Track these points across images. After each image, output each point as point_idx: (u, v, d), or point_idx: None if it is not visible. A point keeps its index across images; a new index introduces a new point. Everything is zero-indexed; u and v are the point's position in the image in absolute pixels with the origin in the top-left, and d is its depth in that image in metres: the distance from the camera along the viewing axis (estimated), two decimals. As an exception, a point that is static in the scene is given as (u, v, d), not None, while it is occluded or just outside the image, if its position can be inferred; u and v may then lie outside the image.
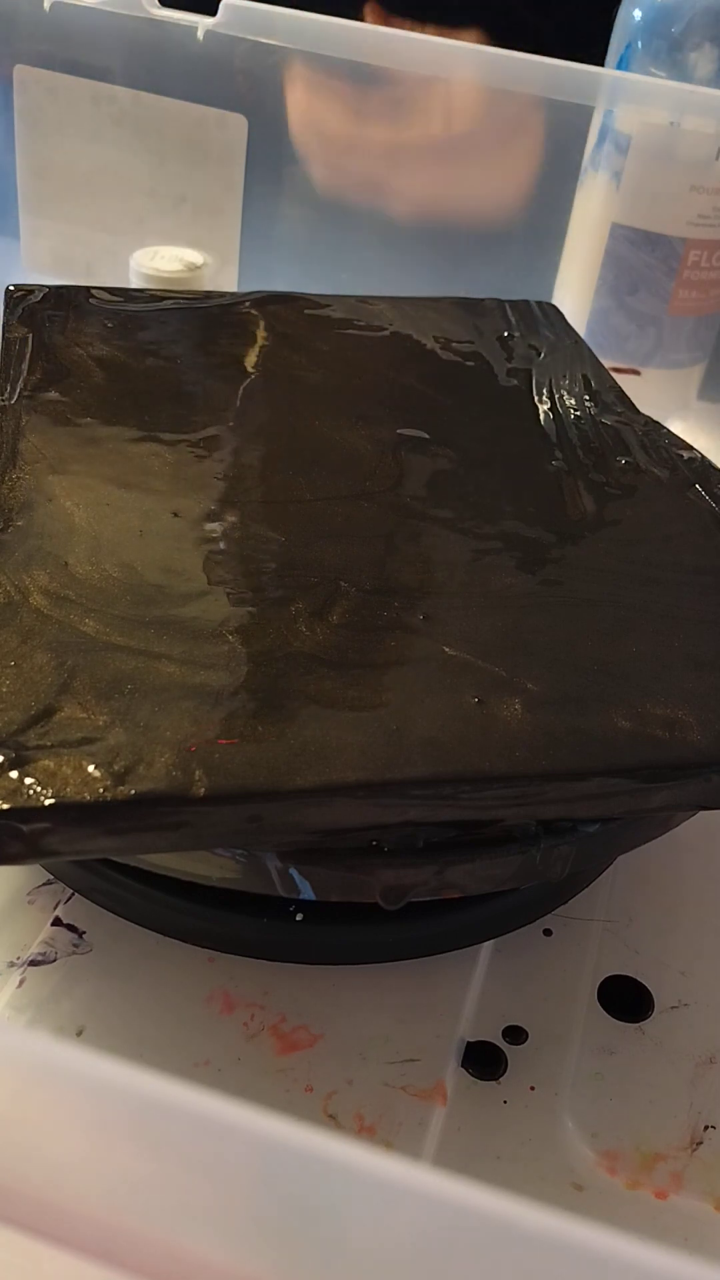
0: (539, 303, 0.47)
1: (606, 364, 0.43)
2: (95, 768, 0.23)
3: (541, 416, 0.39)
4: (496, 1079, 0.28)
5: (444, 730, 0.25)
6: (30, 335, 0.39)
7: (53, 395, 0.36)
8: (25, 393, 0.36)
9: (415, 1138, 0.27)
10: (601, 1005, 0.31)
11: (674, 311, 0.55)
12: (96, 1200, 0.16)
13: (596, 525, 0.33)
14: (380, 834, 0.25)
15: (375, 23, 0.56)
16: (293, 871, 0.25)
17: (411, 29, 0.55)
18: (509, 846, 0.26)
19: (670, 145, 0.52)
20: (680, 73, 0.52)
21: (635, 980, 0.31)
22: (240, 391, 0.38)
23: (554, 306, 0.47)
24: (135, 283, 0.54)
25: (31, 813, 0.22)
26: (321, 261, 0.62)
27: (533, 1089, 0.28)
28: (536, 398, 0.40)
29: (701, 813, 0.30)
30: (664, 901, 0.34)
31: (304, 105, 0.57)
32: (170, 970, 0.30)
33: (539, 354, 0.43)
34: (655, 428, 0.39)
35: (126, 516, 0.31)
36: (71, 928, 0.31)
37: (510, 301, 0.47)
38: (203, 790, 0.23)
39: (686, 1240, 0.26)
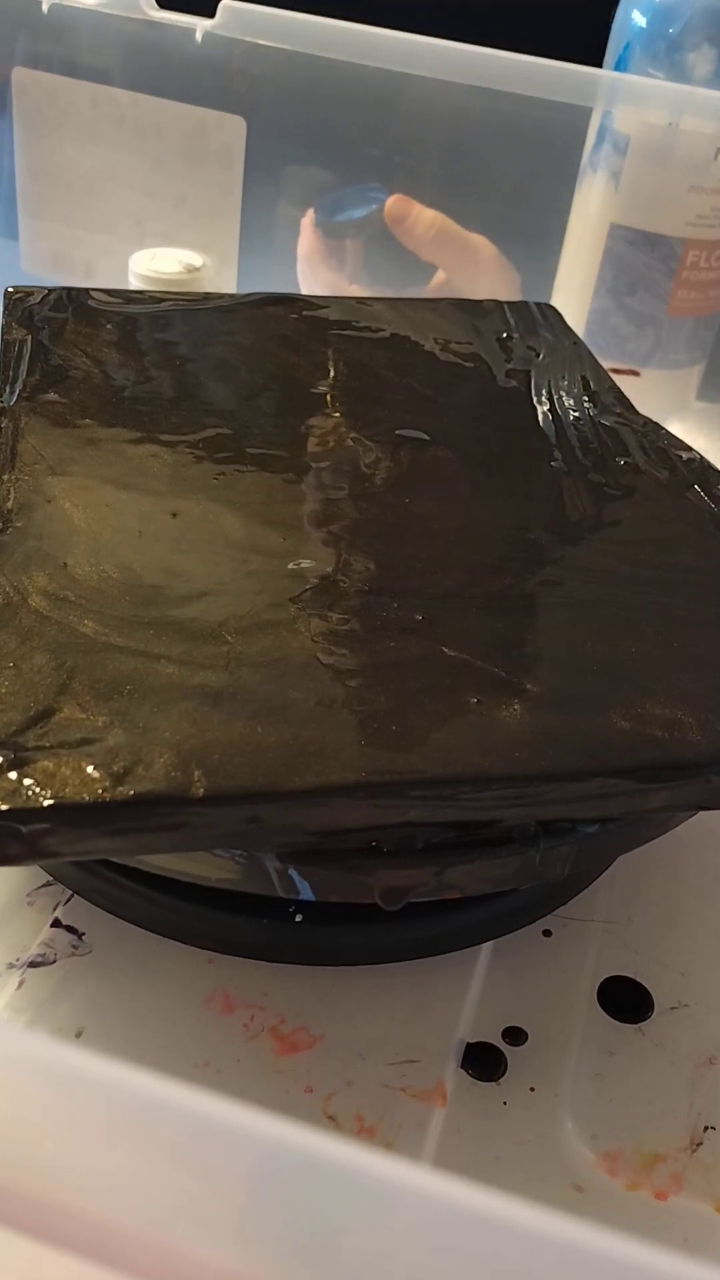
0: (538, 304, 0.47)
1: (605, 365, 0.43)
2: (94, 768, 0.23)
3: (540, 417, 0.39)
4: (496, 1080, 0.28)
5: (443, 731, 0.25)
6: (29, 337, 0.39)
7: (52, 397, 0.36)
8: (24, 394, 0.36)
9: (415, 1139, 0.27)
10: (601, 1006, 0.31)
11: (673, 312, 0.55)
12: (95, 1201, 0.16)
13: (596, 526, 0.33)
14: (379, 834, 0.25)
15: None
16: (292, 872, 0.25)
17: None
18: (508, 847, 0.26)
19: (669, 146, 0.52)
20: (678, 73, 0.52)
21: (635, 981, 0.31)
22: (239, 393, 0.38)
23: (553, 307, 0.47)
24: (134, 284, 0.54)
25: (30, 813, 0.22)
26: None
27: (532, 1090, 0.28)
28: (535, 399, 0.40)
29: (701, 813, 0.30)
30: (664, 902, 0.34)
31: (308, 249, 0.61)
32: (170, 971, 0.30)
33: (538, 355, 0.43)
34: (654, 428, 0.39)
35: (125, 518, 0.31)
36: (71, 929, 0.31)
37: (509, 302, 0.47)
38: (202, 791, 0.23)
39: (686, 1241, 0.26)
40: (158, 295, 0.44)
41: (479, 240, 0.58)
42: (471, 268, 0.58)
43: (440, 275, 0.60)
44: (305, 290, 0.61)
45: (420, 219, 0.57)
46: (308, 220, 0.60)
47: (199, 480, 0.33)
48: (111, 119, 0.60)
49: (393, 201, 0.58)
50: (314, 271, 0.61)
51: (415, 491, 0.34)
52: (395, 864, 0.25)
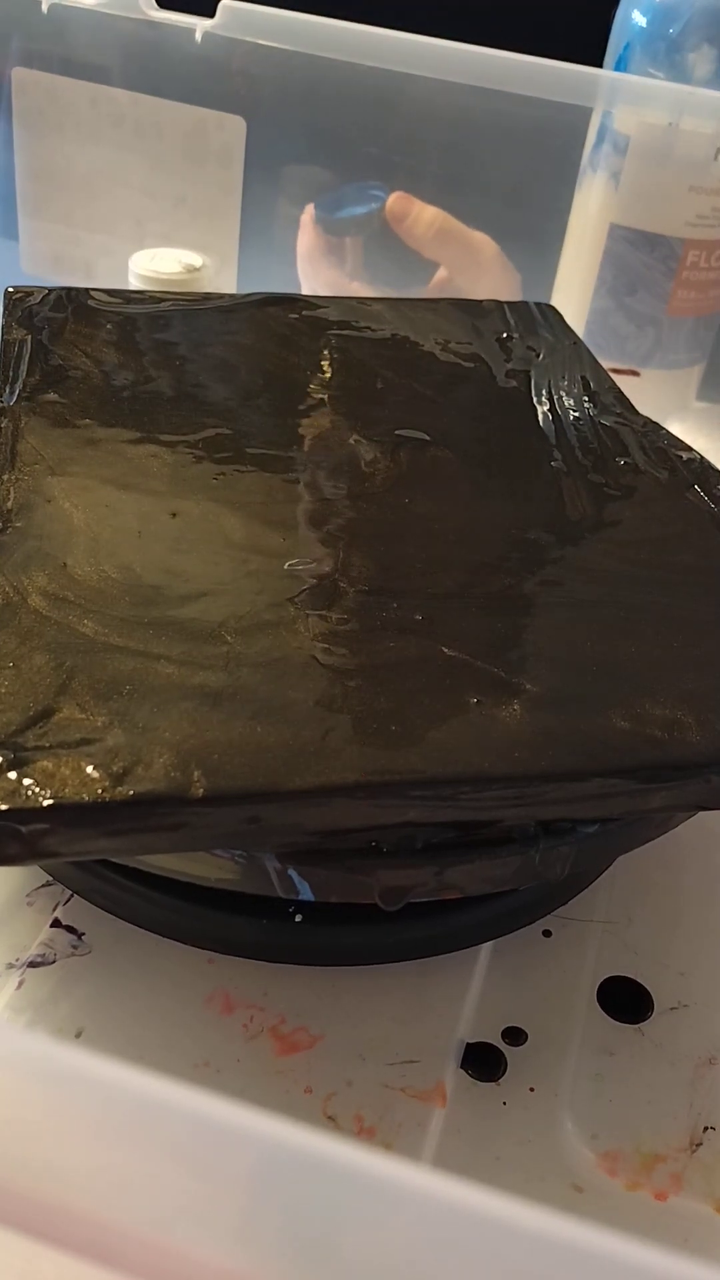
0: (538, 304, 0.47)
1: (605, 365, 0.43)
2: (94, 769, 0.23)
3: (540, 418, 0.39)
4: (496, 1080, 0.28)
5: (443, 731, 0.25)
6: (29, 337, 0.39)
7: (51, 397, 0.36)
8: (24, 394, 0.36)
9: (415, 1139, 0.27)
10: (601, 1006, 0.31)
11: (673, 312, 0.55)
12: (95, 1201, 0.16)
13: (596, 526, 0.33)
14: (379, 835, 0.25)
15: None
16: (292, 872, 0.25)
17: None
18: (508, 847, 0.26)
19: (668, 146, 0.52)
20: (678, 73, 0.52)
21: (635, 981, 0.31)
22: (239, 393, 0.38)
23: (553, 308, 0.47)
24: (134, 284, 0.54)
25: (30, 814, 0.22)
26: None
27: (532, 1090, 0.28)
28: (535, 399, 0.40)
29: (701, 813, 0.30)
30: (663, 902, 0.34)
31: (308, 246, 0.61)
32: (169, 971, 0.30)
33: (538, 355, 0.43)
34: (654, 428, 0.39)
35: (125, 518, 0.31)
36: (71, 929, 0.31)
37: (509, 303, 0.47)
38: (201, 791, 0.23)
39: (686, 1241, 0.26)
40: (158, 295, 0.44)
41: (481, 238, 0.58)
42: (473, 266, 0.58)
43: (442, 273, 0.60)
44: (305, 286, 0.61)
45: (421, 216, 0.57)
46: (308, 216, 0.60)
47: (199, 480, 0.33)
48: (111, 119, 0.60)
49: (394, 199, 0.58)
50: (314, 268, 0.61)
51: (415, 491, 0.34)
52: (395, 864, 0.25)
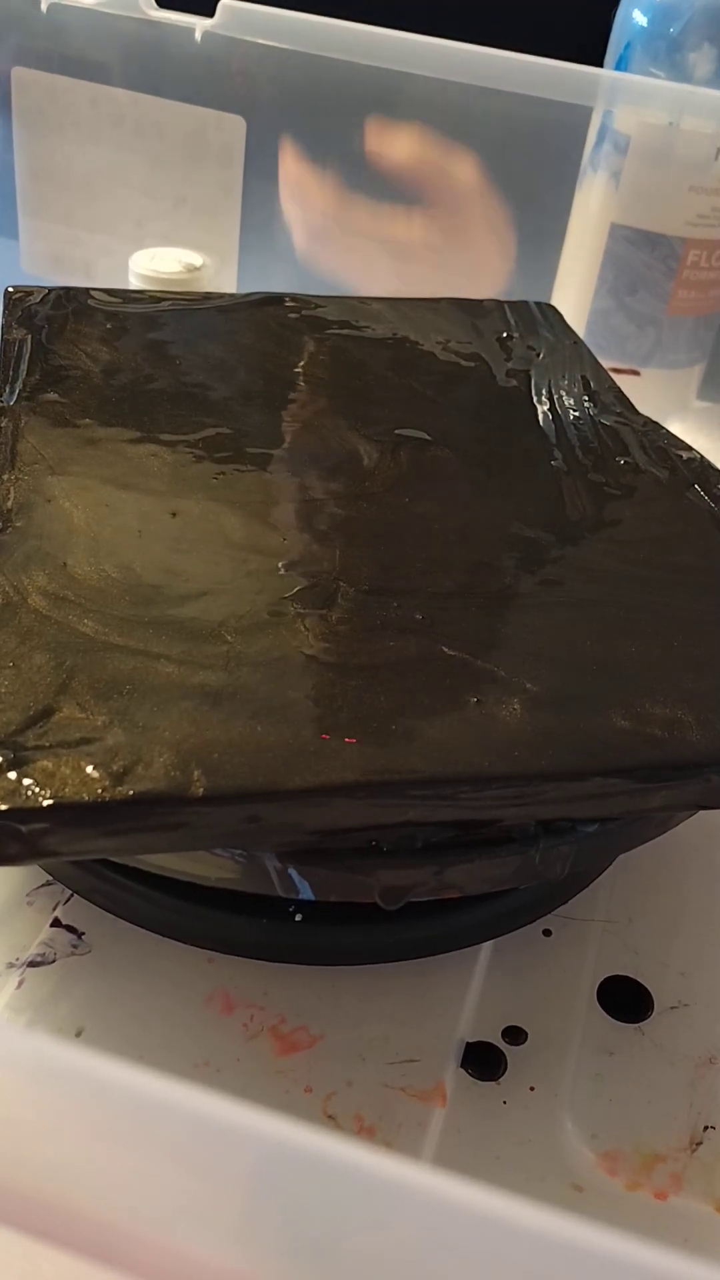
0: (538, 303, 0.47)
1: (606, 364, 0.43)
2: (94, 768, 0.23)
3: (540, 417, 0.39)
4: (496, 1080, 0.28)
5: (443, 730, 0.25)
6: (29, 337, 0.39)
7: (51, 396, 0.36)
8: (24, 394, 0.36)
9: (415, 1138, 0.27)
10: (601, 1006, 0.31)
11: (673, 312, 0.55)
12: (95, 1201, 0.16)
13: (596, 525, 0.33)
14: (379, 834, 0.25)
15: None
16: (292, 872, 0.25)
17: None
18: (508, 846, 0.26)
19: (669, 145, 0.52)
20: (679, 73, 0.52)
21: (635, 981, 0.31)
22: (239, 392, 0.38)
23: (553, 307, 0.47)
24: (134, 284, 0.54)
25: (30, 813, 0.22)
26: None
27: (532, 1090, 0.28)
28: (535, 398, 0.40)
29: (701, 812, 0.30)
30: (664, 902, 0.34)
31: (293, 175, 0.58)
32: (169, 971, 0.30)
33: (538, 355, 0.43)
34: (654, 428, 0.39)
35: (125, 517, 0.31)
36: (71, 929, 0.31)
37: (509, 302, 0.47)
38: (201, 790, 0.23)
39: (686, 1241, 0.26)
40: (157, 295, 0.44)
41: (462, 168, 0.54)
42: (452, 201, 0.55)
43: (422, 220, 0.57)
44: (292, 225, 0.60)
45: (396, 140, 0.53)
46: (288, 148, 0.57)
47: (199, 480, 0.33)
48: (111, 119, 0.60)
49: (371, 125, 0.54)
50: (299, 201, 0.58)
51: (415, 491, 0.34)
52: (395, 864, 0.25)
